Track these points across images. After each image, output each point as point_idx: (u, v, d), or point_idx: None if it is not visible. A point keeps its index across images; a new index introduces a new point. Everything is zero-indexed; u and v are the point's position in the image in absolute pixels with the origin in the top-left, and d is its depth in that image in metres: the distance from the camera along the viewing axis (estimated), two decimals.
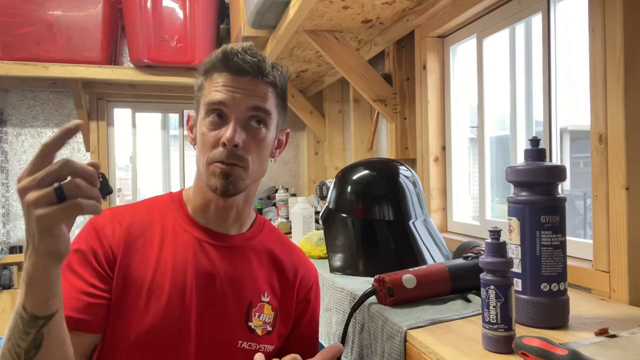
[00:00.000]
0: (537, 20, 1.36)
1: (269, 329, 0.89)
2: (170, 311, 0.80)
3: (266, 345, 0.88)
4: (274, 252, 0.94)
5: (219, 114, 0.83)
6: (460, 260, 1.02)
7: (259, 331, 0.87)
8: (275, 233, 1.00)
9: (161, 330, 0.79)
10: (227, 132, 0.81)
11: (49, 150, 0.57)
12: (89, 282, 0.78)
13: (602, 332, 0.74)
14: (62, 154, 0.56)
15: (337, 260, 1.25)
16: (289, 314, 0.93)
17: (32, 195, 0.55)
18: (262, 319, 0.88)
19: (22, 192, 0.56)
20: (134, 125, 3.14)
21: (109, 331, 0.80)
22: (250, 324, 0.86)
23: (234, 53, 0.83)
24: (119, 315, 0.79)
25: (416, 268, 0.98)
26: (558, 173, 0.81)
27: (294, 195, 2.78)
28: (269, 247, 0.94)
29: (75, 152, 2.99)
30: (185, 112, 3.16)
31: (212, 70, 0.86)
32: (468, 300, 0.95)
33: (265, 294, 0.89)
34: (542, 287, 0.79)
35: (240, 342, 0.85)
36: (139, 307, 0.79)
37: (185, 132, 0.95)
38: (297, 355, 0.77)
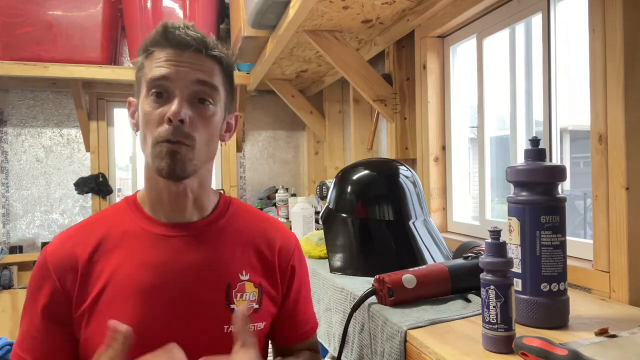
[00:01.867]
0: (537, 20, 1.36)
1: (256, 306, 0.86)
2: (139, 314, 0.78)
3: (256, 324, 0.86)
4: (245, 228, 0.91)
5: (162, 90, 0.80)
6: (460, 260, 1.02)
7: None
8: (244, 209, 0.96)
9: (135, 335, 0.76)
10: (172, 106, 0.78)
11: None
12: (42, 331, 0.79)
13: (602, 332, 0.74)
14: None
15: (337, 260, 1.25)
16: (275, 286, 0.90)
17: None
18: (246, 297, 0.85)
19: None
20: None
21: (82, 348, 0.80)
22: (232, 306, 0.84)
23: (175, 27, 0.80)
24: (88, 331, 0.79)
25: (416, 268, 0.98)
26: (558, 173, 0.81)
27: (294, 195, 2.79)
28: (239, 225, 0.91)
29: (76, 152, 2.99)
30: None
31: (152, 46, 0.82)
32: (468, 300, 0.95)
33: (244, 272, 0.86)
34: (542, 287, 0.79)
35: (226, 327, 0.82)
36: (104, 317, 0.78)
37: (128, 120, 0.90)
38: None
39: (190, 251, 0.84)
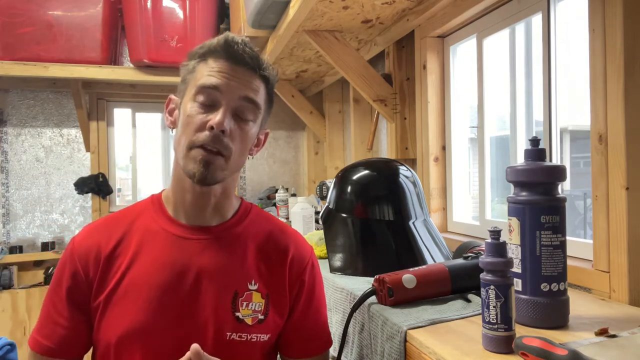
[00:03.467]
0: (537, 20, 1.36)
1: (261, 317, 0.86)
2: (148, 311, 0.81)
3: (259, 335, 0.86)
4: (261, 236, 0.92)
5: (209, 98, 0.82)
6: (460, 260, 1.02)
7: (248, 321, 0.85)
8: (263, 217, 0.97)
9: (140, 331, 0.80)
10: (216, 116, 0.81)
11: None
12: (65, 316, 0.84)
13: (602, 332, 0.74)
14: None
15: (337, 260, 1.25)
16: (283, 298, 0.90)
17: None
18: (252, 307, 0.86)
19: None
20: (134, 125, 3.14)
21: (94, 338, 0.85)
22: (237, 314, 0.84)
23: (235, 42, 0.83)
24: (102, 322, 0.83)
25: (416, 268, 0.98)
26: (558, 173, 0.81)
27: (294, 195, 2.78)
28: (255, 233, 0.92)
29: (76, 152, 2.99)
30: None
31: (209, 54, 0.85)
32: (468, 300, 0.95)
33: (253, 282, 0.87)
34: (542, 287, 0.79)
35: (229, 333, 0.83)
36: (116, 311, 0.82)
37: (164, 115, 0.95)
38: None
39: (204, 254, 0.86)
